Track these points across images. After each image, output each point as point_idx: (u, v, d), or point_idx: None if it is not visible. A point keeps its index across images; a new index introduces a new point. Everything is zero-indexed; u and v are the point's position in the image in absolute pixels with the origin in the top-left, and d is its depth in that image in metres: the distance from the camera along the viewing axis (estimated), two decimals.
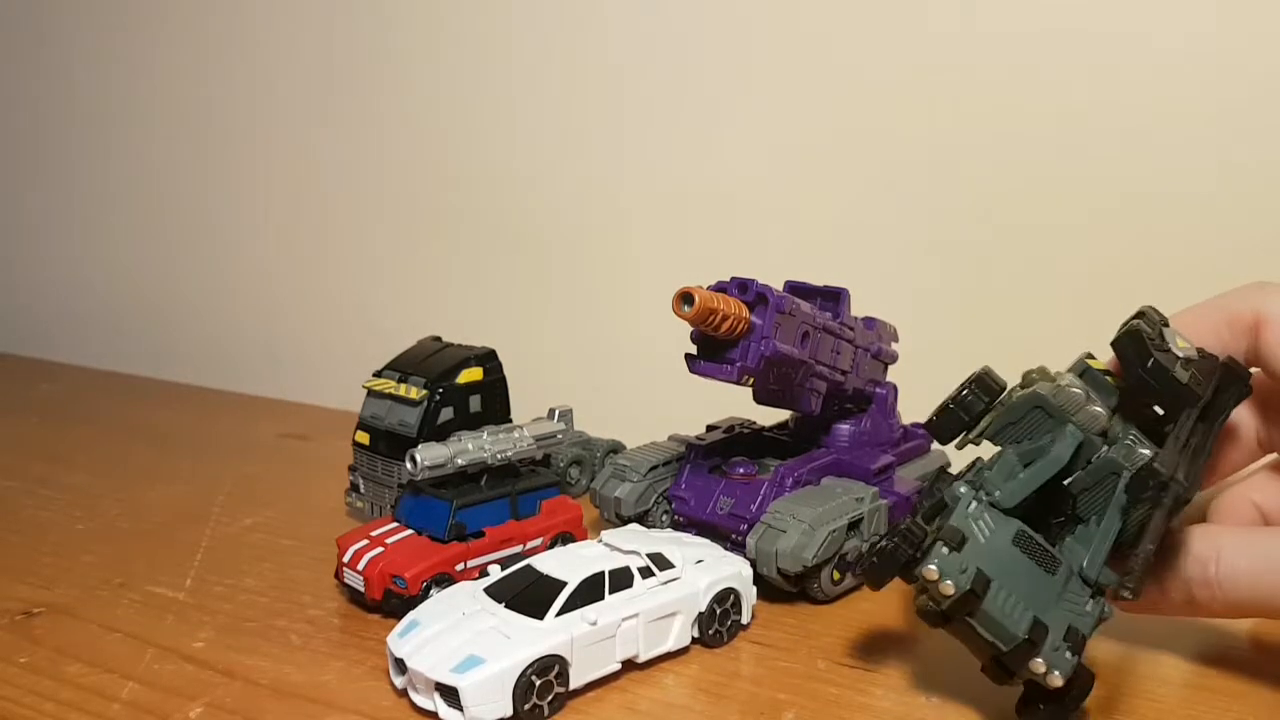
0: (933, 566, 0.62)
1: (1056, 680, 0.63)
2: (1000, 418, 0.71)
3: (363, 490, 1.02)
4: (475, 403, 1.00)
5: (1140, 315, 0.71)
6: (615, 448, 1.12)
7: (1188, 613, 0.70)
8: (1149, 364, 0.68)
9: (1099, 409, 0.70)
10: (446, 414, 0.97)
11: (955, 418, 0.72)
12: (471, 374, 1.00)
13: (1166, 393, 0.68)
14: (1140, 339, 0.68)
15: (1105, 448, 0.70)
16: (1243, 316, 0.73)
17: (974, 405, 0.71)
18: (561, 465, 1.08)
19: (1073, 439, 0.68)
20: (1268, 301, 0.73)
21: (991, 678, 0.66)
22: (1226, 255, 1.03)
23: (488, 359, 1.02)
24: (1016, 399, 0.71)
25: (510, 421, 1.01)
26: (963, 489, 0.68)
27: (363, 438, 1.01)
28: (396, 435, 0.97)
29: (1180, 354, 0.69)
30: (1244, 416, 0.77)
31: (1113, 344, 0.70)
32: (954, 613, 0.64)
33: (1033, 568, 0.65)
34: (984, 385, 0.71)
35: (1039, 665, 0.63)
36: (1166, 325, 0.71)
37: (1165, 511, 0.62)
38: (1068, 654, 0.63)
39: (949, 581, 0.62)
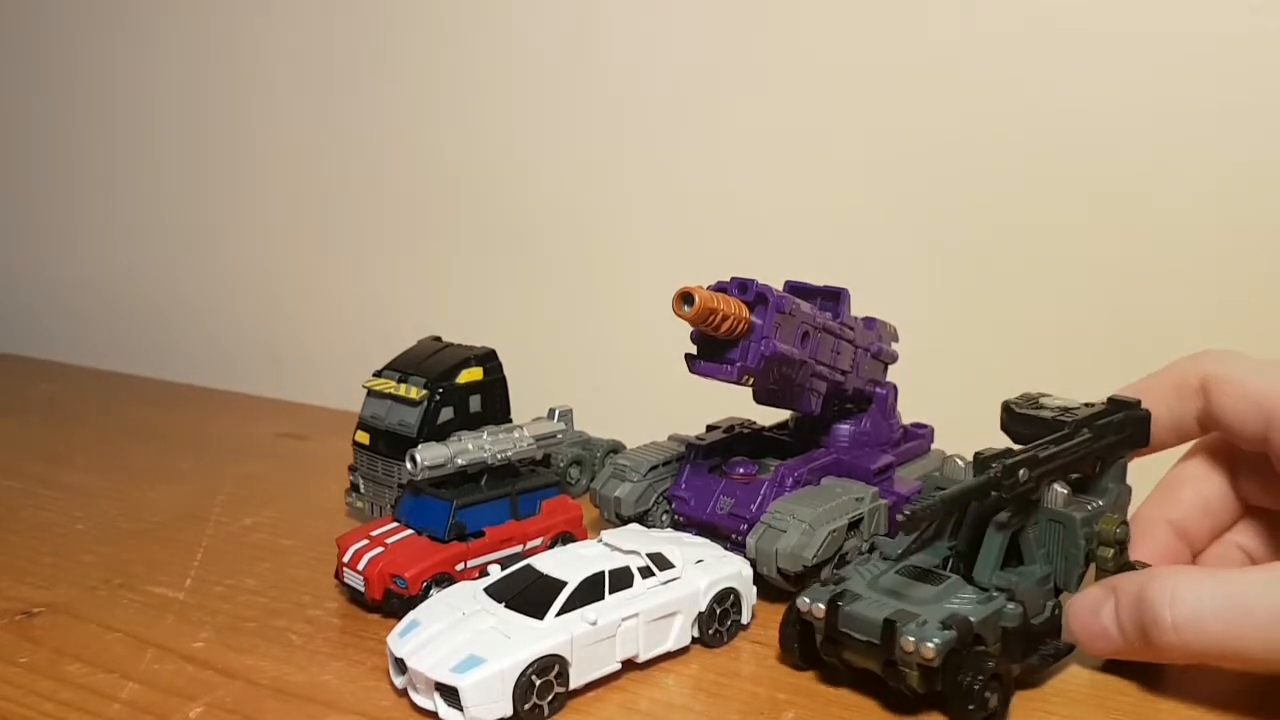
0: (805, 599, 0.72)
1: (928, 651, 0.65)
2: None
3: (363, 490, 1.02)
4: (475, 403, 1.00)
5: (1020, 396, 0.83)
6: (615, 448, 1.12)
7: (1151, 658, 0.70)
8: (1004, 416, 0.81)
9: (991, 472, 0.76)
10: (446, 414, 0.97)
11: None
12: (471, 374, 1.00)
13: (1031, 430, 0.78)
14: (1005, 407, 0.82)
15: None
16: (1189, 382, 0.78)
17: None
18: (561, 465, 1.08)
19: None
20: (1212, 365, 0.77)
21: (894, 684, 0.69)
22: (1226, 254, 1.03)
23: (488, 359, 1.01)
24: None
25: (510, 421, 1.01)
26: (856, 560, 0.80)
27: (363, 438, 1.01)
28: (396, 435, 0.97)
29: (1053, 406, 0.80)
30: (1214, 476, 0.80)
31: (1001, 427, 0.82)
32: (831, 631, 0.70)
33: (911, 584, 0.73)
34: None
35: (908, 642, 0.66)
36: (1045, 395, 0.83)
37: (981, 481, 0.70)
38: (945, 633, 0.66)
39: (819, 604, 0.70)
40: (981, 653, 0.68)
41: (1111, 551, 0.75)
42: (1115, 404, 0.81)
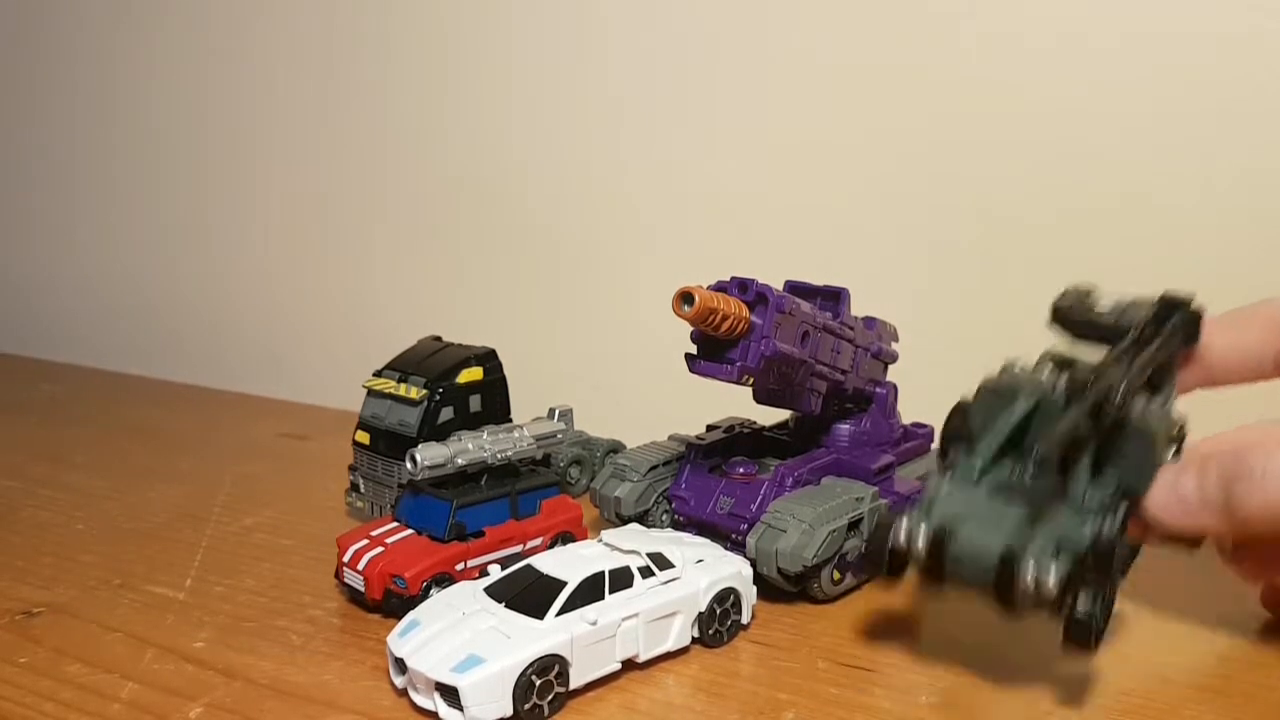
0: (902, 530, 0.70)
1: (1049, 581, 0.65)
2: (975, 421, 0.76)
3: (363, 490, 1.02)
4: (475, 402, 1.00)
5: (1063, 295, 0.83)
6: (615, 448, 1.12)
7: (1223, 522, 0.69)
8: (1065, 316, 0.81)
9: (1044, 376, 0.75)
10: (446, 414, 0.97)
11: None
12: (471, 374, 1.00)
13: (1102, 334, 0.78)
14: (1056, 307, 0.82)
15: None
16: (1277, 319, 0.78)
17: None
18: (562, 465, 1.08)
19: (1024, 402, 0.74)
20: None
21: (1005, 614, 0.68)
22: (1225, 254, 1.03)
23: (488, 359, 1.01)
24: (969, 400, 0.77)
25: (510, 421, 1.01)
26: (934, 479, 0.75)
27: (363, 437, 1.01)
28: (396, 435, 0.97)
29: (1107, 306, 0.80)
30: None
31: (1049, 323, 0.82)
32: (934, 565, 0.68)
33: (1008, 509, 0.70)
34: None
35: (1027, 576, 0.65)
36: (1089, 293, 0.82)
37: (1090, 407, 0.69)
38: (1059, 562, 0.65)
39: (918, 532, 0.69)
40: (1088, 576, 0.67)
41: (1172, 450, 0.74)
42: (1168, 303, 0.79)
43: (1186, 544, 0.75)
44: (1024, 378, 0.76)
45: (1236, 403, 0.80)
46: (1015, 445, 0.74)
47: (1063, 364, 0.77)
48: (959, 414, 0.77)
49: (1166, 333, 0.77)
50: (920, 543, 0.69)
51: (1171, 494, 0.70)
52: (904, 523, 0.70)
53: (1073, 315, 0.81)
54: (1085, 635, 0.66)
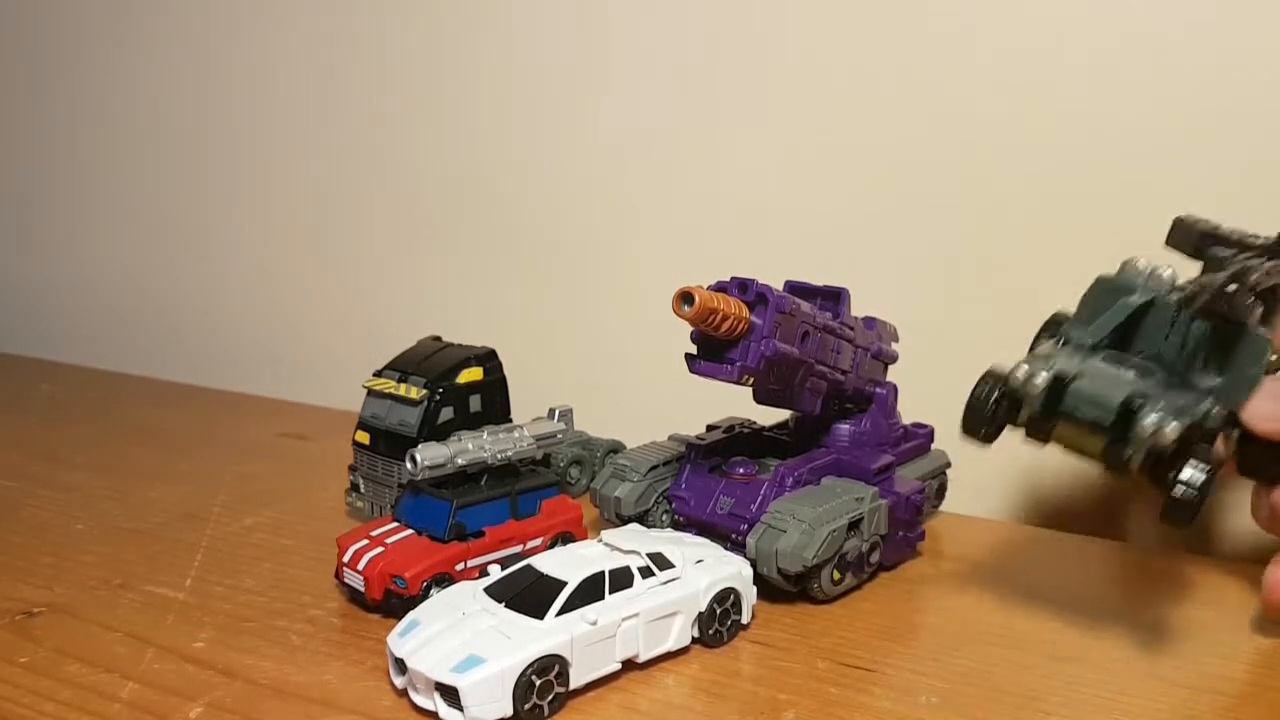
0: (1024, 366, 0.68)
1: (1169, 433, 0.64)
2: (1085, 308, 0.76)
3: (363, 490, 1.02)
4: (475, 403, 1.00)
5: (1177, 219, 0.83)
6: (615, 448, 1.12)
7: None
8: (1174, 229, 0.81)
9: (1166, 273, 0.75)
10: (446, 414, 0.97)
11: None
12: (471, 374, 1.00)
13: (1217, 244, 0.78)
14: (1176, 223, 0.81)
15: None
16: None
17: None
18: (562, 465, 1.08)
19: (1143, 294, 0.74)
20: None
21: (1113, 472, 0.68)
22: None
23: (488, 359, 1.01)
24: (1087, 290, 0.77)
25: (510, 421, 1.01)
26: (1044, 343, 0.75)
27: (363, 438, 1.01)
28: (396, 435, 0.97)
29: (1231, 238, 0.80)
30: None
31: (1166, 242, 0.82)
32: (1047, 412, 0.67)
33: (1124, 372, 0.70)
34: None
35: (1148, 424, 0.65)
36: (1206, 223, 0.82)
37: (1215, 289, 0.68)
38: (1182, 418, 0.65)
39: (1041, 373, 0.67)
40: (1204, 448, 0.67)
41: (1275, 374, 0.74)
42: None
43: (1266, 473, 0.75)
44: (1144, 274, 0.75)
45: None
46: (1124, 341, 0.74)
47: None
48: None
49: None
50: (1039, 380, 0.68)
51: (1272, 403, 0.70)
52: (1022, 366, 0.69)
53: (1196, 228, 0.79)
54: (1187, 507, 0.66)
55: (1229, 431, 0.73)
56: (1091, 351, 0.73)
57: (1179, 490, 0.66)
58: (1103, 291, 0.76)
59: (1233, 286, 0.68)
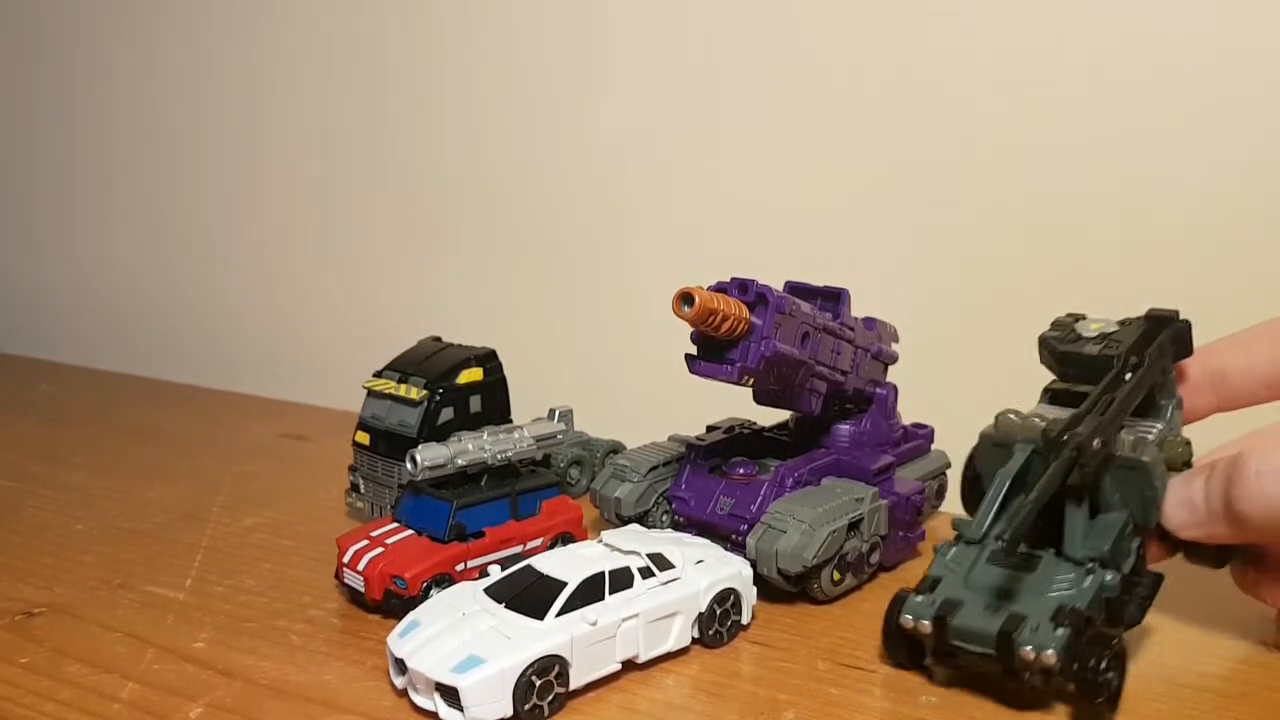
0: (907, 616, 0.71)
1: (1049, 659, 0.64)
2: (983, 470, 0.78)
3: (363, 490, 1.02)
4: (475, 403, 1.00)
5: (1052, 325, 0.82)
6: (615, 448, 1.12)
7: (1229, 529, 0.69)
8: (1050, 352, 0.79)
9: (1040, 420, 0.75)
10: (447, 414, 0.97)
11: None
12: (471, 374, 1.00)
13: (1085, 370, 0.77)
14: (1042, 342, 0.80)
15: None
16: None
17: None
18: (562, 466, 1.08)
19: (1020, 453, 0.75)
20: None
21: (1015, 685, 0.68)
22: (1227, 256, 1.03)
23: (488, 359, 1.01)
24: (972, 451, 0.78)
25: (510, 422, 1.01)
26: (940, 547, 0.75)
27: (363, 438, 1.01)
28: (396, 435, 0.97)
29: (1091, 334, 0.78)
30: None
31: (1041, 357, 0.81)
32: (940, 644, 0.69)
33: (1011, 574, 0.71)
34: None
35: (1027, 652, 0.65)
36: (1080, 319, 0.81)
37: (1062, 465, 0.67)
38: (1058, 631, 0.65)
39: (924, 621, 0.70)
40: (1095, 636, 0.67)
41: (1179, 473, 0.74)
42: (1155, 319, 0.79)
43: (1210, 559, 0.75)
44: (1018, 424, 0.76)
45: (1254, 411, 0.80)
46: (1022, 490, 0.74)
47: (1057, 397, 0.78)
48: (969, 466, 0.78)
49: (1153, 355, 0.76)
50: (925, 625, 0.70)
51: (1181, 504, 0.70)
52: (908, 606, 0.71)
53: (1058, 350, 0.80)
54: (1096, 694, 0.66)
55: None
56: (981, 549, 0.73)
57: (1085, 686, 0.66)
58: (987, 451, 0.77)
59: (1089, 456, 0.68)
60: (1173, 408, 0.79)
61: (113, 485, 1.16)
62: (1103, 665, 0.66)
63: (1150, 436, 0.74)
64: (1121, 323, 0.80)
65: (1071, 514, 0.72)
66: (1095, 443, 0.69)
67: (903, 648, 0.74)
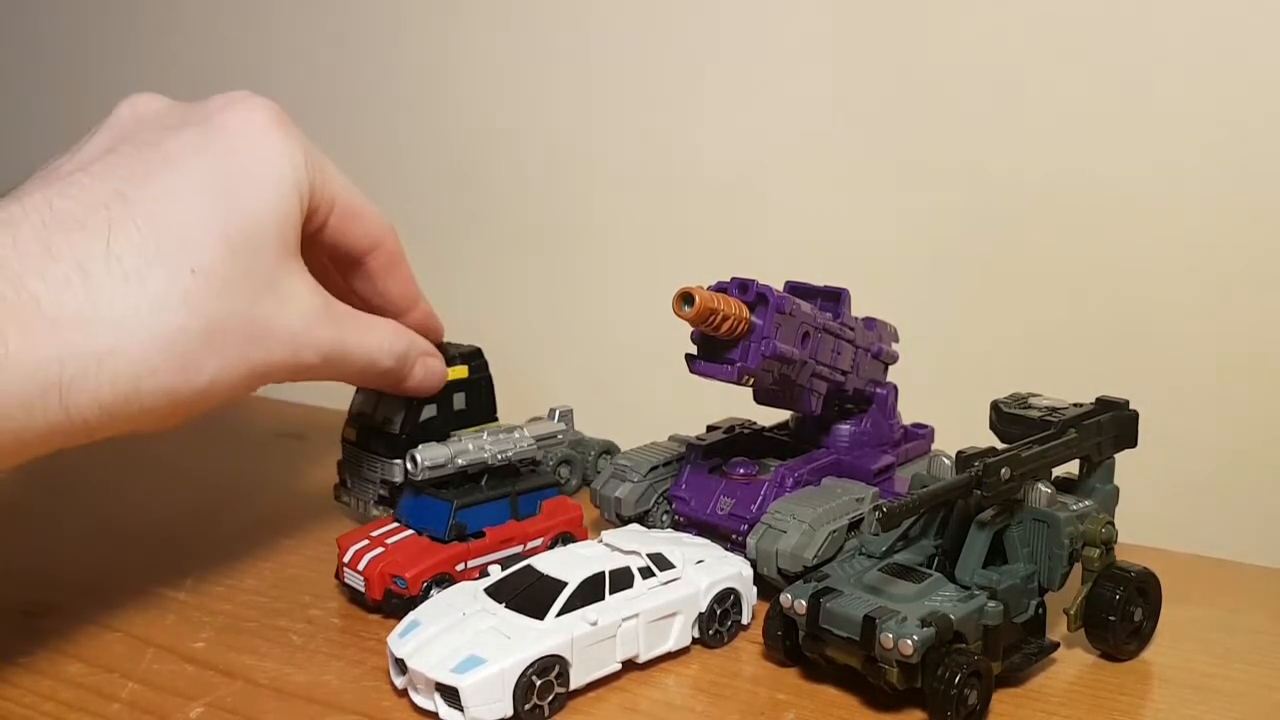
0: (786, 595, 0.72)
1: (906, 648, 0.66)
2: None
3: (349, 485, 1.02)
4: (459, 400, 1.00)
5: (1008, 396, 0.87)
6: (608, 449, 1.11)
7: None
8: (997, 414, 0.85)
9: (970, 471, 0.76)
10: (429, 411, 0.97)
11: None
12: (456, 372, 0.99)
13: (1019, 430, 0.81)
14: (993, 406, 0.86)
15: None
16: None
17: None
18: (550, 465, 1.07)
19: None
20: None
21: (875, 681, 0.69)
22: (1225, 257, 1.03)
23: (473, 357, 1.01)
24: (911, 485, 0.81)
25: (496, 420, 1.01)
26: (845, 556, 0.80)
27: (349, 434, 1.01)
28: (380, 431, 0.98)
29: (1040, 406, 0.84)
30: None
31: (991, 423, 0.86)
32: (813, 627, 0.71)
33: (893, 581, 0.73)
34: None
35: (887, 639, 0.66)
36: (1034, 395, 0.87)
37: (964, 478, 0.71)
38: (924, 629, 0.66)
39: (800, 600, 0.71)
40: (961, 650, 0.68)
41: (1098, 552, 0.75)
42: (1104, 404, 0.83)
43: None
44: (949, 469, 0.78)
45: None
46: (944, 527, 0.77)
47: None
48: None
49: (1089, 427, 0.80)
50: (801, 604, 0.71)
51: None
52: (790, 587, 0.73)
53: (1004, 412, 0.84)
54: (946, 707, 0.66)
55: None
56: (878, 561, 0.76)
57: (937, 698, 0.67)
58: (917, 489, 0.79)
59: (993, 478, 0.71)
60: (1108, 494, 0.83)
61: (113, 485, 1.16)
62: (957, 680, 0.66)
63: (1074, 506, 0.76)
64: (1075, 404, 0.84)
65: (972, 539, 0.74)
66: (1003, 471, 0.71)
67: (780, 646, 0.75)
